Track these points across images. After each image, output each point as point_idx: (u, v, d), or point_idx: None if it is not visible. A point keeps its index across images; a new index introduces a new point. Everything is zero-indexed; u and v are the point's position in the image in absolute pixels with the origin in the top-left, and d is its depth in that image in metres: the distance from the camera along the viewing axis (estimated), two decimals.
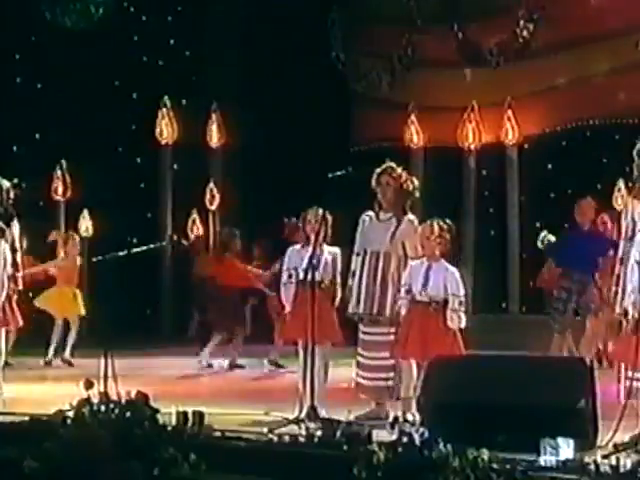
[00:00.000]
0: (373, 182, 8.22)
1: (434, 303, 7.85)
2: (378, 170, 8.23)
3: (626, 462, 5.79)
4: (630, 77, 14.96)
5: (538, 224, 14.97)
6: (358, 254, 8.25)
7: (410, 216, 8.18)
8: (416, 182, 8.30)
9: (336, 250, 8.46)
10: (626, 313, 6.66)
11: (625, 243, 6.71)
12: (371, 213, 8.29)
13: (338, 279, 8.40)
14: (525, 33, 15.77)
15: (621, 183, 15.82)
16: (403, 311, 7.94)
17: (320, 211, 8.22)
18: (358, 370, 8.30)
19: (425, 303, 7.87)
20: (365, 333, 8.22)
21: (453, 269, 7.95)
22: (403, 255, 8.08)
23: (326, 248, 8.39)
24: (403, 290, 7.96)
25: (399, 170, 8.25)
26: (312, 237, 8.17)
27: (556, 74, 15.69)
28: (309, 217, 8.44)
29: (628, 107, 15.14)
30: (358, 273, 8.21)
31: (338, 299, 8.40)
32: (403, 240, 8.10)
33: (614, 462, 5.82)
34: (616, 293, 6.82)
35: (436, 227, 7.97)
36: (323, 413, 7.68)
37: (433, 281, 7.88)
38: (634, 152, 6.86)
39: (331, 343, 8.41)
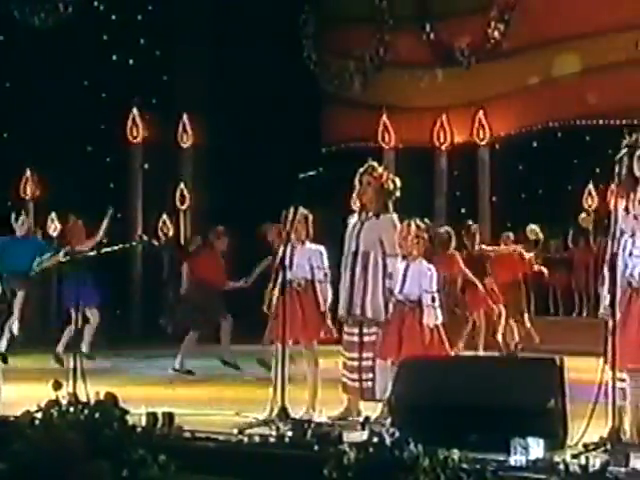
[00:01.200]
0: (356, 182, 8.18)
1: (409, 302, 7.87)
2: (360, 170, 8.18)
3: (595, 462, 5.80)
4: (601, 79, 15.04)
5: (509, 224, 15.04)
6: (345, 256, 8.20)
7: (388, 214, 8.12)
8: (398, 181, 8.21)
9: (318, 248, 8.36)
10: (613, 313, 6.58)
11: (612, 244, 6.64)
12: (357, 214, 8.25)
13: (318, 276, 8.26)
14: (496, 34, 15.83)
15: (591, 184, 15.94)
16: (390, 311, 7.95)
17: (292, 210, 8.16)
18: (341, 369, 8.28)
19: (402, 303, 7.89)
20: (345, 333, 8.20)
21: (429, 267, 7.94)
22: (381, 252, 8.00)
23: (303, 246, 8.33)
24: (388, 291, 7.98)
25: (380, 169, 8.21)
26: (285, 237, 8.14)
27: (527, 75, 15.75)
28: (289, 217, 8.34)
29: (599, 109, 15.22)
30: (342, 274, 8.18)
31: (321, 297, 8.24)
32: (380, 237, 8.03)
33: (583, 462, 5.83)
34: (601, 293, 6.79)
35: (413, 227, 7.96)
36: (316, 416, 7.73)
37: (409, 281, 7.89)
38: (619, 156, 6.67)
39: (311, 341, 8.35)
